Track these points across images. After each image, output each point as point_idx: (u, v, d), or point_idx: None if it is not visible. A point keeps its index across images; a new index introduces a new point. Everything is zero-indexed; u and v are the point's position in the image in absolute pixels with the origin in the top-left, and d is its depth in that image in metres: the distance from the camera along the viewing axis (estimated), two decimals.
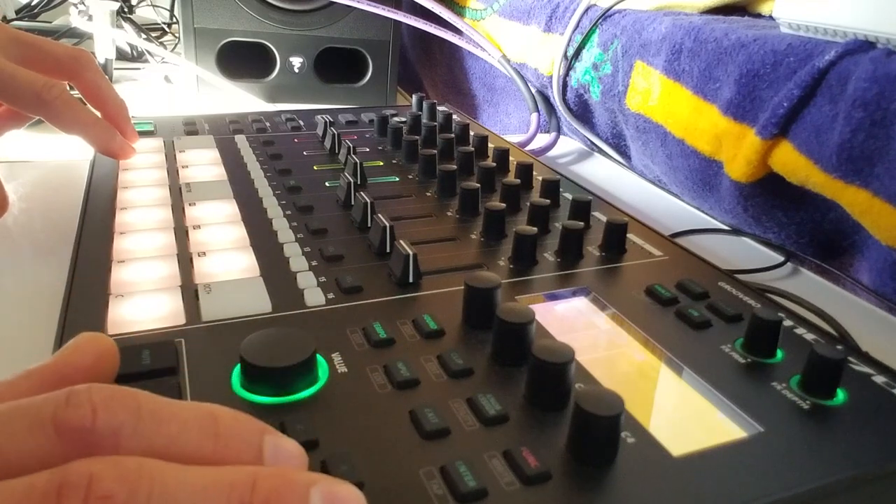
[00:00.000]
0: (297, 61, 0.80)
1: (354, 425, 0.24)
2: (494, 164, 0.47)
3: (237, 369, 0.25)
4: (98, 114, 0.47)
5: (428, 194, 0.45)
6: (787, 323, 0.31)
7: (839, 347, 0.29)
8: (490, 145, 0.54)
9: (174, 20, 1.00)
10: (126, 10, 0.90)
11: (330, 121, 0.54)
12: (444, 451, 0.22)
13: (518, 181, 0.44)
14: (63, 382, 0.19)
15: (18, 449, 0.17)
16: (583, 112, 0.73)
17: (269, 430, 0.19)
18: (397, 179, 0.47)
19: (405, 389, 0.25)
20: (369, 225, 0.38)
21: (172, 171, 0.46)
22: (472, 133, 0.56)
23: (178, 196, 0.42)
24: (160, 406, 0.18)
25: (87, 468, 0.16)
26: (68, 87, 0.44)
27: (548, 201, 0.40)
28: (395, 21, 0.80)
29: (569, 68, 0.71)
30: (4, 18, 0.96)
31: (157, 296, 0.31)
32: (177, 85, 0.86)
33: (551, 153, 0.72)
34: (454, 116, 0.60)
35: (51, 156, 0.60)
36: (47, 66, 0.44)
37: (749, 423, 0.25)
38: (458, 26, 0.85)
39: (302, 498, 0.17)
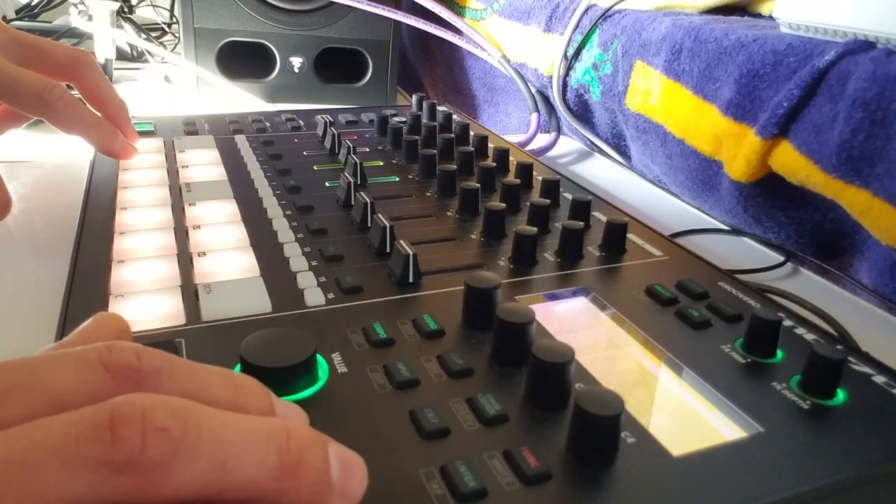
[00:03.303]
0: (297, 61, 0.80)
1: (354, 425, 0.24)
2: (494, 164, 0.47)
3: (237, 369, 0.25)
4: (99, 114, 0.47)
5: (428, 194, 0.45)
6: (787, 323, 0.31)
7: (839, 347, 0.29)
8: (490, 145, 0.54)
9: (174, 20, 1.00)
10: (126, 10, 0.90)
11: (330, 121, 0.54)
12: (444, 451, 0.22)
13: (518, 181, 0.44)
14: None
15: (66, 384, 0.17)
16: (583, 112, 0.73)
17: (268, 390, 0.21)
18: (397, 179, 0.47)
19: (405, 389, 0.25)
20: (369, 225, 0.38)
21: (172, 171, 0.46)
22: (472, 133, 0.56)
23: (178, 196, 0.42)
24: (185, 361, 0.20)
25: (137, 401, 0.16)
26: (68, 89, 0.44)
27: (548, 201, 0.40)
28: (395, 21, 0.80)
29: (569, 68, 0.71)
30: (4, 18, 0.96)
31: (157, 296, 0.31)
32: (177, 85, 0.86)
33: (551, 153, 0.72)
34: (454, 116, 0.60)
35: (51, 156, 0.60)
36: (47, 67, 0.44)
37: (749, 423, 0.25)
38: (458, 26, 0.85)
39: (323, 453, 0.18)
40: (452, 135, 0.53)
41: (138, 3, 0.98)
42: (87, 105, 0.47)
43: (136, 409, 0.16)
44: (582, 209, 0.41)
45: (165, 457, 0.16)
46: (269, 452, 0.17)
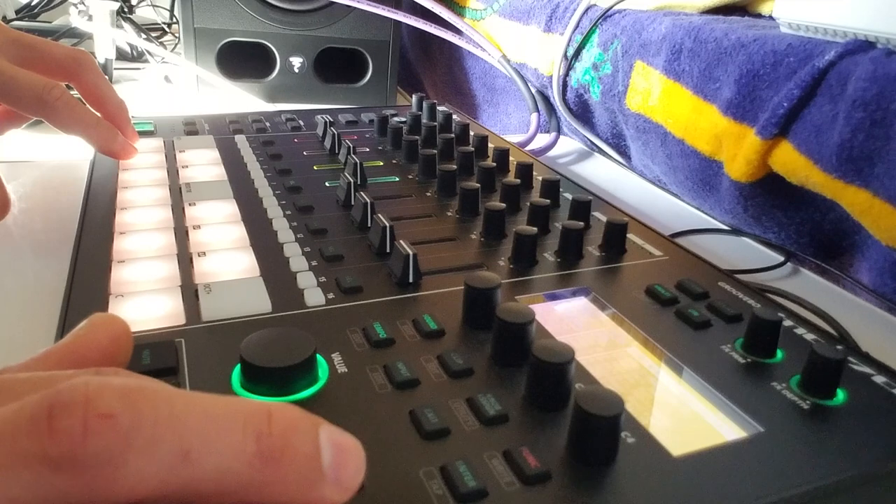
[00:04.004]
0: (297, 61, 0.80)
1: (354, 425, 0.23)
2: (494, 164, 0.47)
3: (237, 369, 0.25)
4: (98, 115, 0.47)
5: (428, 194, 0.45)
6: (787, 323, 0.31)
7: (839, 347, 0.29)
8: (490, 145, 0.54)
9: (174, 20, 1.00)
10: (126, 10, 0.90)
11: (330, 121, 0.54)
12: (444, 451, 0.22)
13: (518, 181, 0.44)
14: (80, 363, 0.19)
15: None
16: (583, 112, 0.73)
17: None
18: (397, 179, 0.47)
19: (405, 389, 0.25)
20: (369, 225, 0.38)
21: (172, 171, 0.46)
22: (472, 133, 0.56)
23: (178, 196, 0.42)
24: (176, 399, 0.18)
25: (81, 385, 0.15)
26: (67, 89, 0.44)
27: (548, 201, 0.40)
28: (395, 21, 0.80)
29: (569, 68, 0.71)
30: (4, 18, 0.96)
31: (157, 296, 0.31)
32: (177, 85, 0.86)
33: (551, 153, 0.72)
34: (454, 116, 0.60)
35: (51, 156, 0.60)
36: (47, 68, 0.44)
37: (749, 423, 0.25)
38: (458, 26, 0.85)
39: (313, 437, 0.16)
40: (452, 135, 0.53)
41: (138, 3, 0.98)
42: (87, 105, 0.47)
43: (77, 395, 0.14)
44: (582, 209, 0.41)
45: (113, 449, 0.14)
46: (246, 437, 0.15)
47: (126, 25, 0.87)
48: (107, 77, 0.53)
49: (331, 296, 0.32)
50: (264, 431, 0.16)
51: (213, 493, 0.15)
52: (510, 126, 0.89)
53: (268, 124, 0.57)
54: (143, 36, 0.90)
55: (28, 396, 0.15)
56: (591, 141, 0.74)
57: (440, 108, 0.62)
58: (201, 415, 0.15)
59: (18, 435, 0.14)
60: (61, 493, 0.14)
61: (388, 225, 0.36)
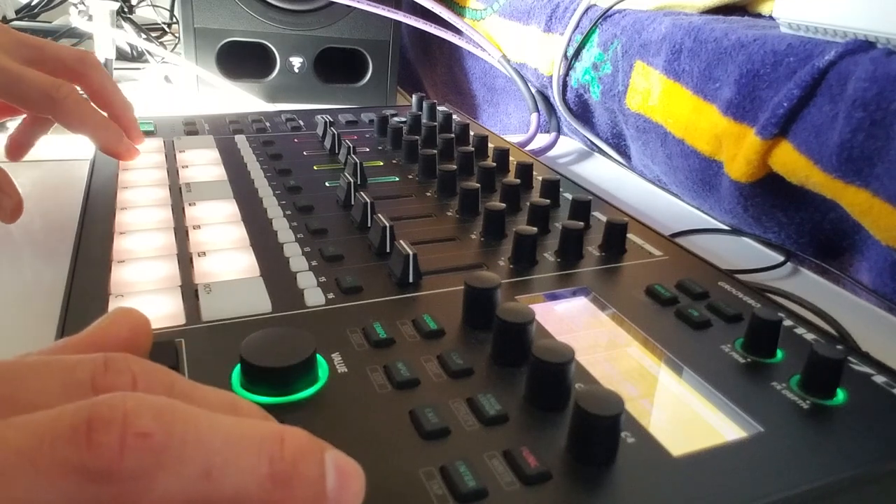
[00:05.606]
0: (297, 61, 0.80)
1: (354, 425, 0.24)
2: (494, 164, 0.47)
3: (237, 369, 0.25)
4: (105, 115, 0.47)
5: (428, 194, 0.45)
6: (787, 323, 0.31)
7: (839, 347, 0.29)
8: (490, 145, 0.54)
9: (174, 20, 1.00)
10: (126, 10, 0.90)
11: (330, 121, 0.54)
12: (444, 451, 0.22)
13: (518, 181, 0.44)
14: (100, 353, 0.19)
15: (48, 402, 0.16)
16: (583, 112, 0.73)
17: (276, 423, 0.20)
18: (397, 179, 0.47)
19: (405, 389, 0.25)
20: (369, 225, 0.38)
21: (172, 171, 0.46)
22: (472, 133, 0.56)
23: (178, 196, 0.42)
24: (190, 387, 0.19)
25: (119, 401, 0.15)
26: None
27: (548, 201, 0.40)
28: (395, 21, 0.80)
29: (569, 68, 0.71)
30: (4, 18, 0.96)
31: (157, 296, 0.31)
32: (177, 85, 0.86)
33: (551, 153, 0.72)
34: (454, 116, 0.60)
35: (51, 156, 0.60)
36: (54, 68, 0.44)
37: (749, 423, 0.25)
38: (458, 26, 0.85)
39: (319, 461, 0.17)
40: (452, 135, 0.53)
41: (138, 3, 0.98)
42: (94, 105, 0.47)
43: (116, 412, 0.15)
44: (582, 209, 0.41)
45: (146, 466, 0.15)
46: (260, 460, 0.16)
47: (126, 25, 0.87)
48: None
49: (331, 296, 0.32)
50: (277, 455, 0.17)
51: None
52: (510, 126, 0.89)
53: (268, 124, 0.57)
54: (143, 36, 0.90)
55: (60, 403, 0.16)
56: (591, 141, 0.74)
57: (440, 108, 0.62)
58: (223, 436, 0.16)
59: (58, 443, 0.15)
60: (91, 502, 0.15)
61: (388, 225, 0.36)
